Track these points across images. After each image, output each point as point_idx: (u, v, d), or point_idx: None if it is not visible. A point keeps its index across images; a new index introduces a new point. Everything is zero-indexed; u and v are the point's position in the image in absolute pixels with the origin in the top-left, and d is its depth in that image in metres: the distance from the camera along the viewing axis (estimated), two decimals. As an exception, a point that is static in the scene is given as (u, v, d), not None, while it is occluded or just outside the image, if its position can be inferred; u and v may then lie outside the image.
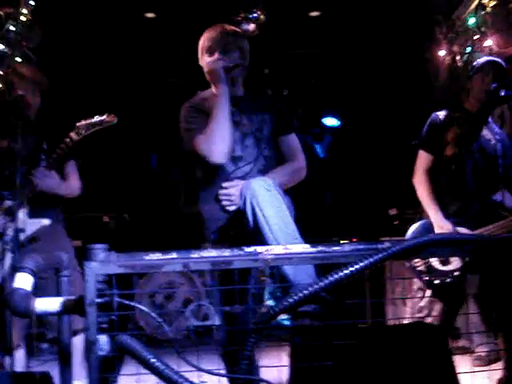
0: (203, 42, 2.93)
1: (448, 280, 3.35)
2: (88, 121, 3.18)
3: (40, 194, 3.21)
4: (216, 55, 2.85)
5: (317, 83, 7.26)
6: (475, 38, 5.12)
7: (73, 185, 3.42)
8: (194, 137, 2.77)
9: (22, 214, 3.08)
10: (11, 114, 3.12)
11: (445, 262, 3.40)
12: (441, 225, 3.49)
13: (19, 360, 2.87)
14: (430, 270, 3.42)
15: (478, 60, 3.67)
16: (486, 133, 3.61)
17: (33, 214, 3.17)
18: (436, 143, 3.56)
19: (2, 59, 5.05)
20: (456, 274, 3.36)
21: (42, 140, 3.38)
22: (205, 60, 2.90)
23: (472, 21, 5.10)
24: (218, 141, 2.69)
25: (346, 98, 7.36)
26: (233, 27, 3.01)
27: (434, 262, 3.40)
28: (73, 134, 3.17)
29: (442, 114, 3.60)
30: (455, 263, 3.38)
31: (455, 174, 3.54)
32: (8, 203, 3.13)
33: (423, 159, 3.64)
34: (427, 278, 3.41)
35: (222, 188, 2.70)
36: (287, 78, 6.96)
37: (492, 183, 3.57)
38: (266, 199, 2.37)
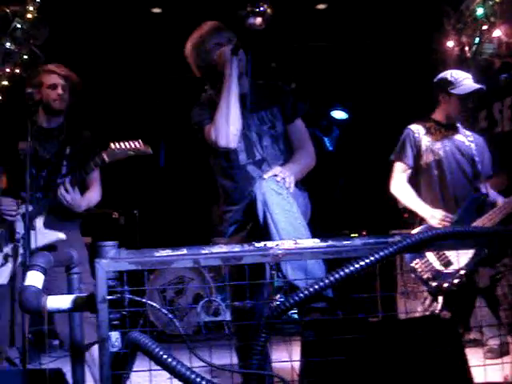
0: (208, 43, 2.85)
1: (456, 281, 3.36)
2: (123, 145, 3.05)
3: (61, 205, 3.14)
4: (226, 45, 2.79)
5: (324, 76, 7.23)
6: (484, 28, 5.09)
7: (93, 196, 3.30)
8: (205, 128, 2.75)
9: (38, 223, 3.06)
10: (20, 112, 3.10)
11: (447, 264, 3.42)
12: (432, 214, 3.61)
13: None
14: (436, 275, 3.43)
15: (465, 85, 3.72)
16: (458, 136, 3.82)
17: (52, 223, 3.15)
18: (412, 155, 3.77)
19: (9, 56, 5.07)
20: (462, 272, 3.36)
21: (65, 145, 3.28)
22: (216, 54, 2.83)
23: (480, 11, 5.07)
24: (225, 123, 2.65)
25: (353, 90, 7.34)
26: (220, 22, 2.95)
27: (438, 266, 3.42)
28: (105, 156, 3.04)
29: (414, 127, 3.81)
30: (460, 261, 3.39)
31: (438, 179, 3.72)
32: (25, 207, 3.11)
33: (400, 169, 3.80)
34: (436, 284, 3.41)
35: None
36: (294, 71, 6.94)
37: (474, 178, 3.77)
38: (276, 202, 2.33)
